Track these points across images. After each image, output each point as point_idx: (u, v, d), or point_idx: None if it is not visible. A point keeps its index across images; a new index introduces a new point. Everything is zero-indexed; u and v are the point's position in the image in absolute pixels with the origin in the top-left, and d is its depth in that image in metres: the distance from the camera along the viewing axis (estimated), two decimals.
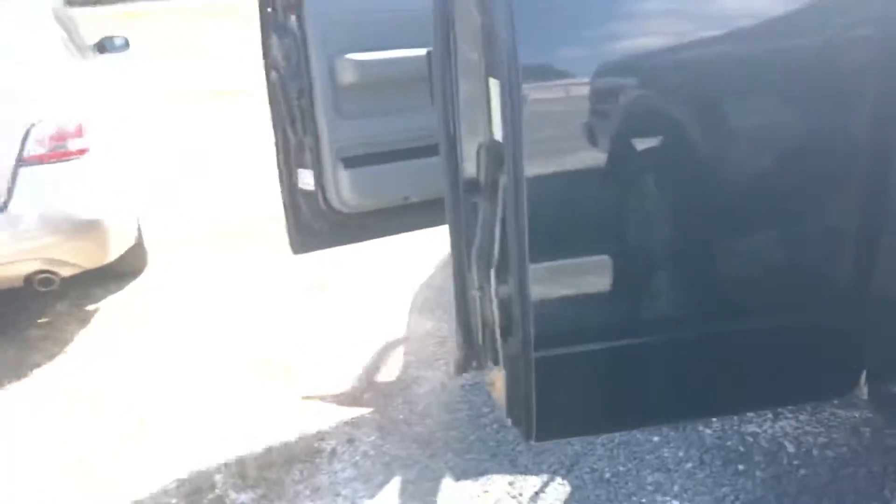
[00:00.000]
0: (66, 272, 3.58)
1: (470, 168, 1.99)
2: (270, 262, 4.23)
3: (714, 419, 2.70)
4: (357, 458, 2.75)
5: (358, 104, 3.00)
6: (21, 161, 3.35)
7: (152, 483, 2.69)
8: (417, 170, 3.09)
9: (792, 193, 1.93)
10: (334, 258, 3.70)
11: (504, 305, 1.85)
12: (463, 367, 2.22)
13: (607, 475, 2.55)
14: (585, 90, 1.79)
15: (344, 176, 3.01)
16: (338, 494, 2.58)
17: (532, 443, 2.44)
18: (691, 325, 1.98)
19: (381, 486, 2.61)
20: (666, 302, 1.99)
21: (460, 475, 2.62)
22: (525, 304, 1.77)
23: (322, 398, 3.14)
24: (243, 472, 2.72)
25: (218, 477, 2.69)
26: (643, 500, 2.43)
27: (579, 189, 1.82)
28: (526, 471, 2.60)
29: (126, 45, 5.15)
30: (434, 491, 2.56)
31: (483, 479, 2.59)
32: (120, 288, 4.24)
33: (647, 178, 1.86)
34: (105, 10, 12.34)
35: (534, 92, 1.68)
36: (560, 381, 1.92)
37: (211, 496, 2.61)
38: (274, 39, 2.95)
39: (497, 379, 2.00)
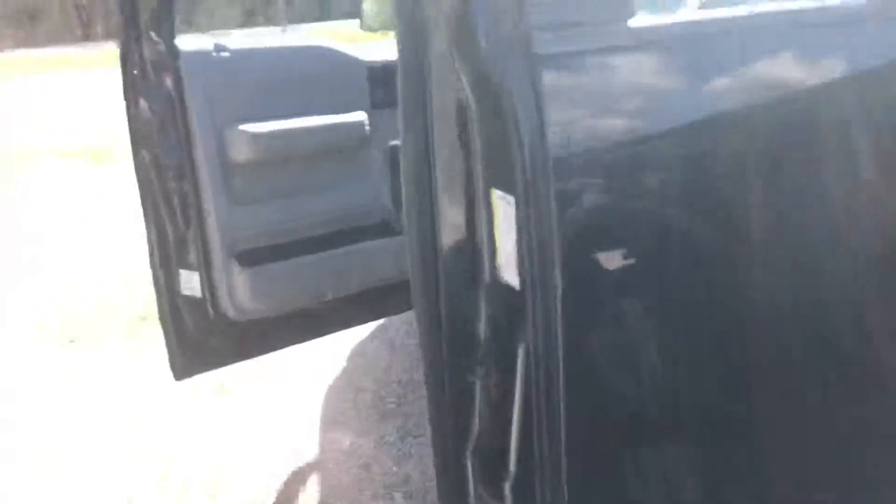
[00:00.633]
0: None
1: (457, 325, 1.26)
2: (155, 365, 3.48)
3: None
4: None
5: (256, 185, 2.39)
6: None
7: None
8: (336, 261, 2.51)
9: None
10: None
11: None
12: None
13: None
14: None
15: (240, 276, 2.38)
16: None
17: None
18: None
19: None
20: None
21: None
22: None
23: None
24: None
25: None
26: None
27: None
28: None
29: None
30: None
31: None
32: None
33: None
34: None
35: (573, 217, 1.11)
36: None
37: None
38: (143, 107, 2.30)
39: None
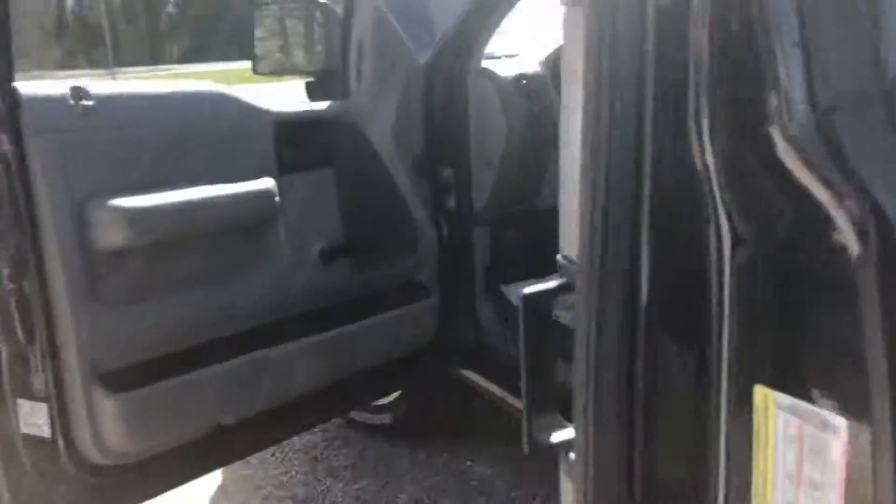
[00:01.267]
0: None
1: None
2: None
3: None
4: None
5: (130, 280, 1.76)
6: None
7: None
8: (239, 372, 1.92)
9: None
10: None
11: None
12: None
13: None
14: None
15: (107, 405, 1.72)
16: None
17: None
18: None
19: None
20: None
21: None
22: None
23: None
24: None
25: None
26: None
27: None
28: None
29: None
30: None
31: None
32: None
33: None
34: None
35: None
36: None
37: None
38: None
39: None
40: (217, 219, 1.84)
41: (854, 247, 0.56)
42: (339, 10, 2.31)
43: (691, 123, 0.69)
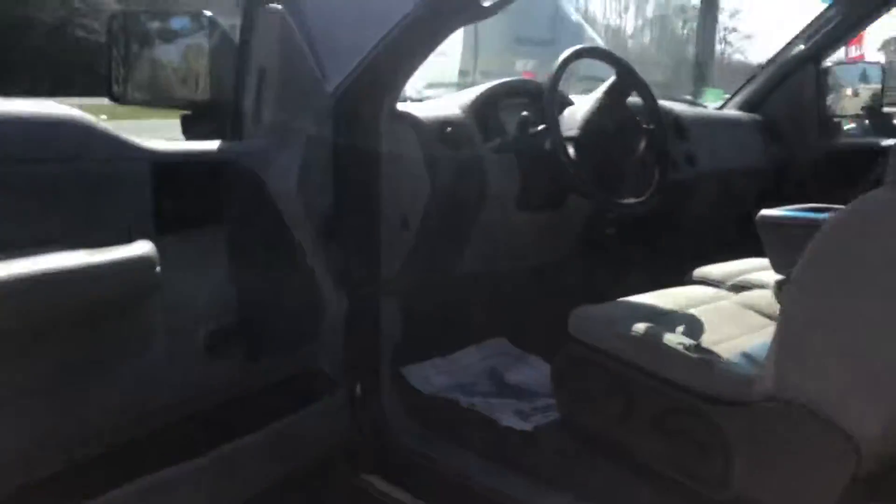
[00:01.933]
0: None
1: None
2: None
3: None
4: None
5: None
6: None
7: None
8: None
9: None
10: None
11: None
12: None
13: None
14: None
15: None
16: None
17: None
18: None
19: None
20: None
21: None
22: None
23: None
24: None
25: None
26: None
27: None
28: None
29: None
30: None
31: None
32: None
33: None
34: None
35: None
36: None
37: None
38: None
39: None
40: (73, 299, 1.28)
41: None
42: (229, 25, 1.84)
43: None
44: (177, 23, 1.85)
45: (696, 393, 1.65)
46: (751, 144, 3.18)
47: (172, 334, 1.52)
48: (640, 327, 1.79)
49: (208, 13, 1.82)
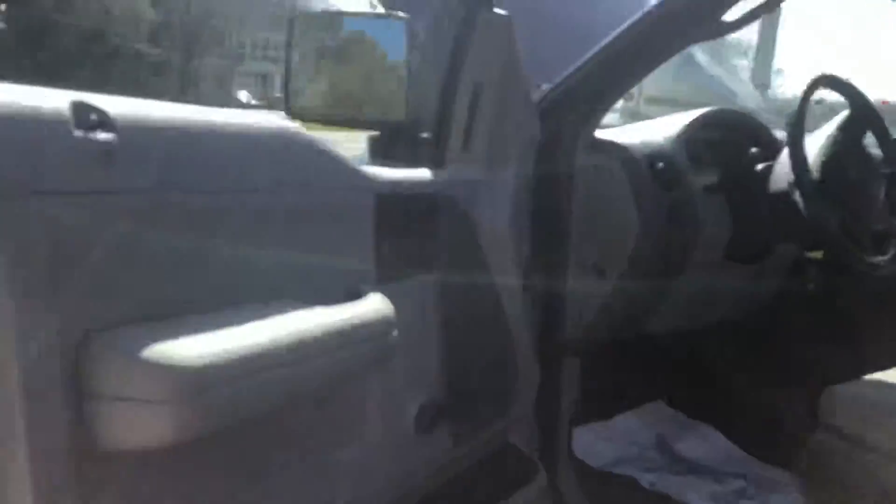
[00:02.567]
0: None
1: None
2: None
3: None
4: None
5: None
6: None
7: None
8: None
9: None
10: None
11: None
12: None
13: None
14: None
15: None
16: None
17: None
18: None
19: None
20: None
21: None
22: None
23: None
24: None
25: None
26: None
27: None
28: None
29: None
30: None
31: None
32: None
33: None
34: None
35: None
36: None
37: None
38: None
39: None
40: (321, 373, 0.97)
41: None
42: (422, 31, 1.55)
43: None
44: (368, 25, 1.56)
45: None
46: None
47: (384, 412, 1.21)
48: None
49: (403, 15, 1.52)
